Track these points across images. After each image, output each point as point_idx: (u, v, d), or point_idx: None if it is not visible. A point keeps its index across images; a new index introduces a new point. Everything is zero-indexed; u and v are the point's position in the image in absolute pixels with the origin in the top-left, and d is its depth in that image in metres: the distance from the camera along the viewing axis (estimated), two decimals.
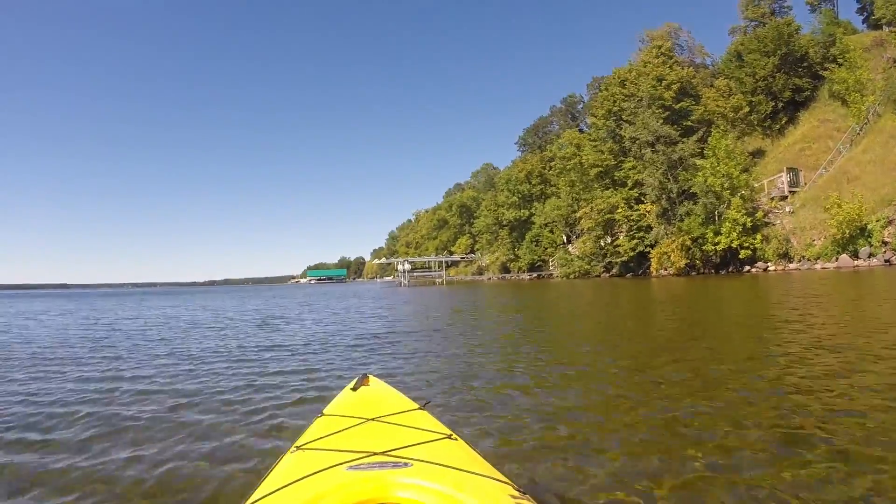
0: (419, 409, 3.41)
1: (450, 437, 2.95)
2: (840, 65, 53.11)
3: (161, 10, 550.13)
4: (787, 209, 47.45)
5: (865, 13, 66.14)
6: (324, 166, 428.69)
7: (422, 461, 2.49)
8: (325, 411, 3.45)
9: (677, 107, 58.14)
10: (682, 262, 50.58)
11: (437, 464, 2.48)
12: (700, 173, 49.32)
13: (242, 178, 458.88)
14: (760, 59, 58.85)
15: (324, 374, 8.21)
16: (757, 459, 4.01)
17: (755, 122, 59.94)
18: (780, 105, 58.86)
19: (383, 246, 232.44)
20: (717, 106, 59.41)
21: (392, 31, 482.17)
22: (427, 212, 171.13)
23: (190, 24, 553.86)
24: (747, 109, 58.98)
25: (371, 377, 3.99)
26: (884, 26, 55.85)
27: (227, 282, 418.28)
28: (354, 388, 3.79)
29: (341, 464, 2.49)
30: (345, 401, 3.63)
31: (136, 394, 7.34)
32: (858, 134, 49.79)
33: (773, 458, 4.00)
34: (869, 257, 37.84)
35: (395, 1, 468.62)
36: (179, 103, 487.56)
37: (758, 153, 58.84)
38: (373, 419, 3.16)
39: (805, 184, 49.47)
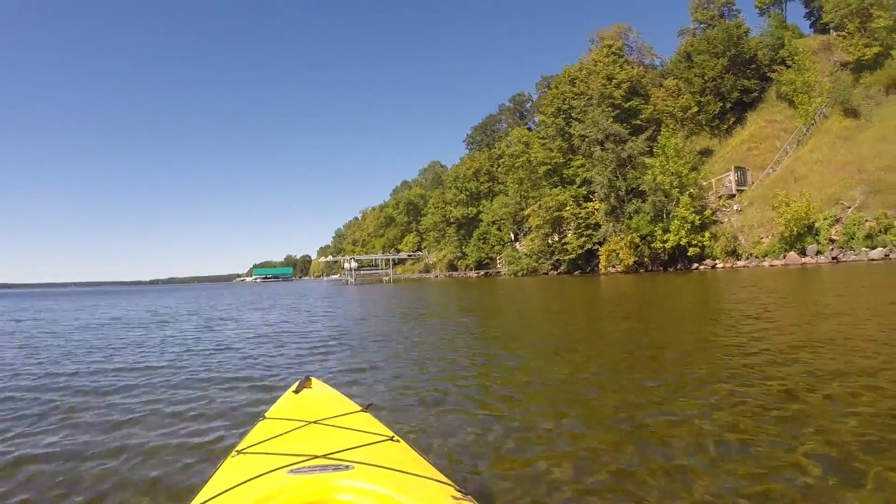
0: (362, 410, 3.43)
1: (392, 438, 2.98)
2: (788, 67, 53.81)
3: None
4: (735, 207, 47.68)
5: (813, 18, 67.10)
6: (269, 163, 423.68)
7: (363, 463, 2.51)
8: (266, 414, 3.46)
9: (627, 105, 58.12)
10: (631, 260, 50.45)
11: (378, 466, 2.50)
12: (649, 171, 49.21)
13: (185, 175, 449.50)
14: (710, 60, 59.17)
15: (269, 376, 8.13)
16: (697, 454, 4.14)
17: (703, 122, 60.28)
18: (729, 105, 59.33)
19: (330, 244, 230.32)
20: (667, 105, 59.74)
21: (339, 28, 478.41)
22: (374, 209, 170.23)
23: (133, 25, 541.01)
24: (696, 109, 59.23)
25: (314, 379, 4.02)
26: (831, 30, 56.60)
27: (171, 280, 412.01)
28: (297, 391, 3.80)
29: (282, 467, 2.49)
30: (287, 404, 3.63)
31: (75, 392, 7.54)
32: (805, 134, 50.40)
33: (720, 457, 4.06)
34: (816, 255, 38.12)
35: None
36: (122, 99, 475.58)
37: (706, 152, 59.27)
38: (315, 422, 3.17)
39: (752, 183, 49.96)
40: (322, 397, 3.73)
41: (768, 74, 57.85)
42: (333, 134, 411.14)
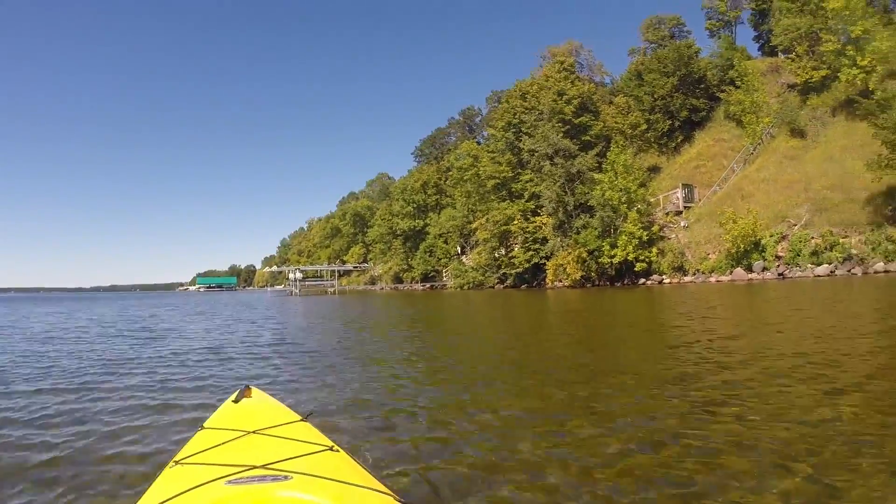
0: (301, 420, 3.42)
1: (331, 448, 2.95)
2: (737, 87, 54.71)
3: None
4: (682, 224, 47.92)
5: (761, 41, 68.62)
6: (214, 170, 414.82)
7: (302, 474, 2.46)
8: (205, 424, 3.42)
9: (577, 121, 57.99)
10: (578, 274, 49.99)
11: (317, 476, 2.46)
12: (598, 187, 49.12)
13: (129, 179, 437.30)
14: (660, 78, 59.76)
15: (211, 386, 8.07)
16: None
17: (652, 140, 60.73)
18: (677, 124, 59.91)
19: (275, 254, 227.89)
20: (616, 122, 59.79)
21: (288, 33, 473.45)
22: (320, 220, 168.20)
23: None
24: (645, 127, 59.63)
25: (253, 388, 3.98)
26: (779, 53, 57.68)
27: (113, 288, 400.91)
28: (236, 400, 3.75)
29: (220, 478, 2.44)
30: (226, 413, 3.61)
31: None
32: (752, 153, 51.11)
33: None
34: (763, 271, 38.29)
35: (291, 4, 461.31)
36: (61, 101, 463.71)
37: (654, 169, 59.69)
38: (254, 432, 3.12)
39: (700, 200, 50.33)
40: (261, 406, 3.71)
41: (717, 94, 58.73)
42: (281, 142, 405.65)
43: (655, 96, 59.89)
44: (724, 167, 52.08)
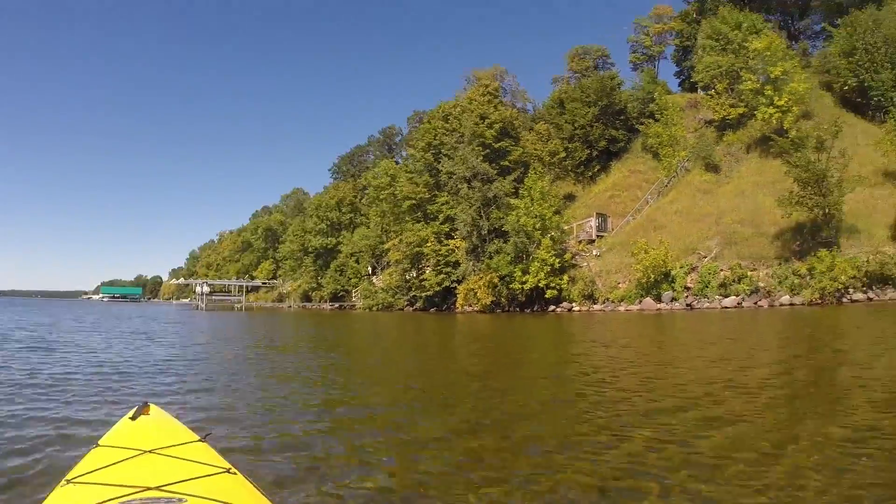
0: (200, 440, 3.31)
1: (228, 471, 2.89)
2: (656, 120, 55.50)
3: None
4: (595, 252, 47.64)
5: (683, 76, 70.67)
6: (121, 175, 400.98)
7: (197, 496, 2.43)
8: (100, 442, 3.25)
9: (497, 146, 57.52)
10: (489, 300, 48.94)
11: (212, 500, 2.43)
12: (514, 212, 48.50)
13: (33, 179, 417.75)
14: (581, 108, 60.23)
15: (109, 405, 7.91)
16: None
17: (569, 168, 60.98)
18: (595, 153, 60.34)
19: (183, 266, 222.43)
20: (535, 149, 59.85)
21: (210, 43, 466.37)
22: (232, 233, 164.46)
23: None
24: (563, 154, 59.85)
25: (152, 406, 3.81)
26: (699, 90, 58.78)
27: (13, 293, 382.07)
28: (133, 418, 3.59)
29: (112, 499, 2.39)
30: (122, 431, 3.43)
31: None
32: (667, 186, 51.70)
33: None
34: (672, 301, 38.02)
35: (219, 12, 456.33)
36: None
37: (569, 197, 59.68)
38: (150, 451, 2.99)
39: (613, 229, 50.45)
40: (160, 425, 3.54)
41: (636, 126, 59.36)
42: (195, 152, 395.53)
43: (576, 125, 60.30)
44: (639, 198, 52.39)
